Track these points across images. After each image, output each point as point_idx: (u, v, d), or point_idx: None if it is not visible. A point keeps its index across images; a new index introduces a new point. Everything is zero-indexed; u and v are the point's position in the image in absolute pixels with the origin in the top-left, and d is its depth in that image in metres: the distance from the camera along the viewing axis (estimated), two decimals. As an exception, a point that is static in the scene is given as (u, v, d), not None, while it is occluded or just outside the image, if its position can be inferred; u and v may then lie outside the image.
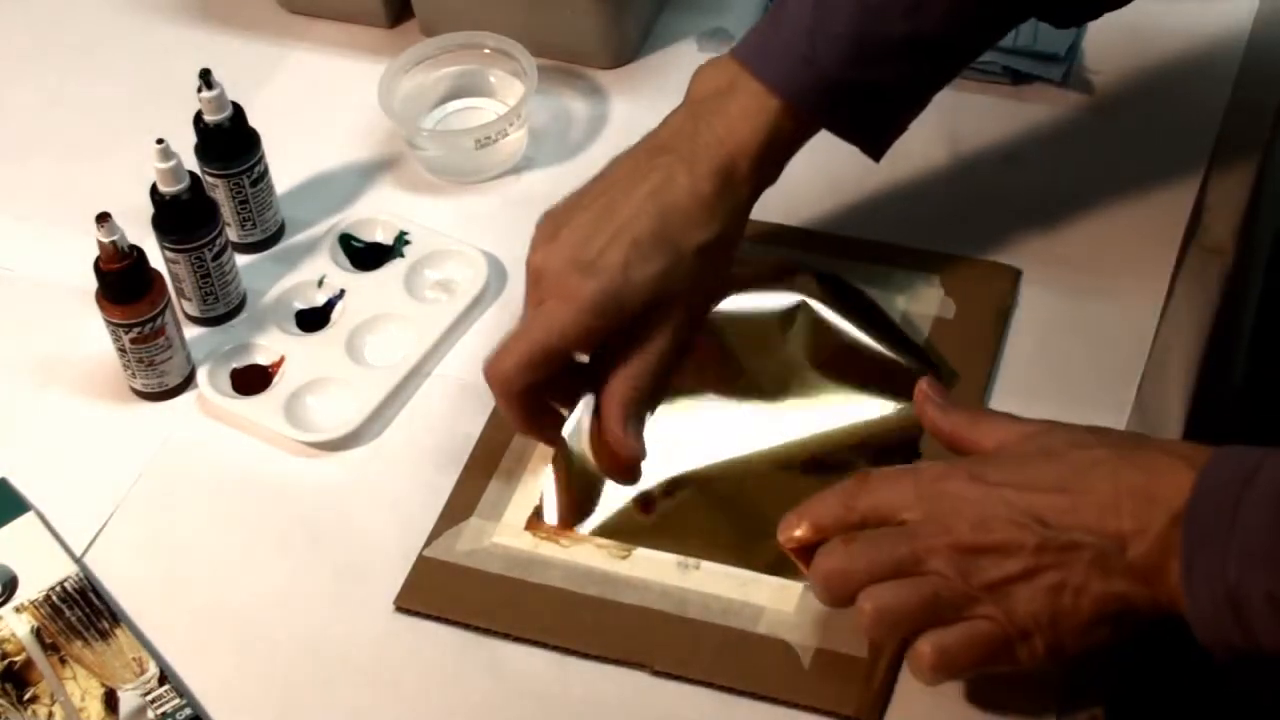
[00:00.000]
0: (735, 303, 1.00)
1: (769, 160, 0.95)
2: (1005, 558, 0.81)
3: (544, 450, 0.97)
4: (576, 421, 0.95)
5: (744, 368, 0.99)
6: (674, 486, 0.95)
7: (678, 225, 0.93)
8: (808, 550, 0.86)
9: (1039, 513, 0.81)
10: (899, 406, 0.96)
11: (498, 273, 1.08)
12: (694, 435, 0.97)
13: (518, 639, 0.91)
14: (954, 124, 1.10)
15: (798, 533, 0.86)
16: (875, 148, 0.97)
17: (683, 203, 0.93)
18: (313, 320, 1.06)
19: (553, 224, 0.94)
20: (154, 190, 1.02)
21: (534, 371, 0.92)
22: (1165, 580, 0.79)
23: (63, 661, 0.92)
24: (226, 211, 1.07)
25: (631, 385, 0.93)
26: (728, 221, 0.94)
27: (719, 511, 0.94)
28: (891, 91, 0.95)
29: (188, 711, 0.89)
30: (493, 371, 0.93)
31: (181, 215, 1.02)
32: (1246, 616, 0.77)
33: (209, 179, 1.06)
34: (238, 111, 1.06)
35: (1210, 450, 0.81)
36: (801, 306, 1.00)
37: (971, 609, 0.82)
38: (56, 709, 0.90)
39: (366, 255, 1.09)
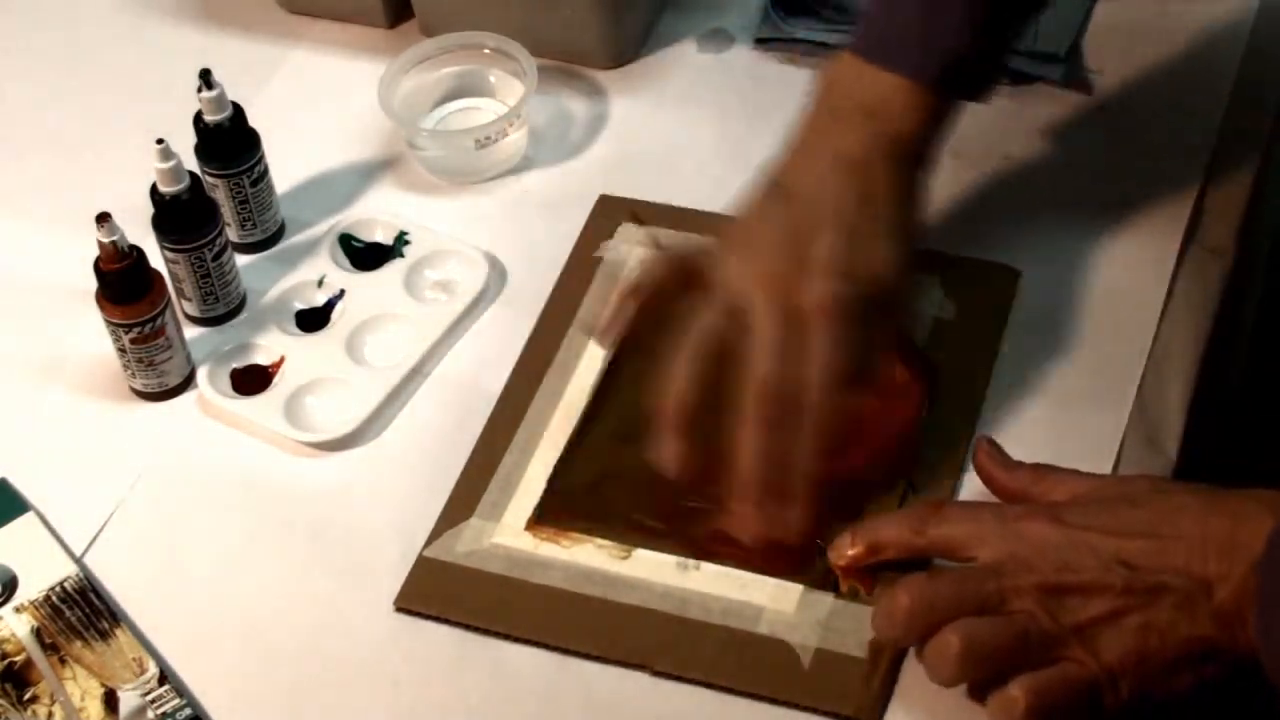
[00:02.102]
0: None
1: (938, 148, 0.97)
2: (1092, 598, 0.80)
3: (544, 451, 0.97)
4: None
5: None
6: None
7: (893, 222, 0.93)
8: (857, 570, 0.87)
9: (1125, 556, 0.81)
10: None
11: (498, 273, 1.08)
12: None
13: (518, 639, 0.91)
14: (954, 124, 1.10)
15: (851, 551, 0.87)
16: (986, 96, 1.00)
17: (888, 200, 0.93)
18: (313, 320, 1.06)
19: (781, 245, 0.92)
20: (154, 190, 1.02)
21: None
22: (1246, 626, 0.79)
23: (63, 661, 0.91)
24: (226, 211, 1.07)
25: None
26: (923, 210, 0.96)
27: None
28: (1001, 48, 0.99)
29: (188, 711, 0.89)
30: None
31: (181, 215, 1.02)
32: None
33: (209, 179, 1.06)
34: (238, 111, 1.06)
35: None
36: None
37: (1059, 651, 0.80)
38: (56, 709, 0.90)
39: (366, 255, 1.09)
